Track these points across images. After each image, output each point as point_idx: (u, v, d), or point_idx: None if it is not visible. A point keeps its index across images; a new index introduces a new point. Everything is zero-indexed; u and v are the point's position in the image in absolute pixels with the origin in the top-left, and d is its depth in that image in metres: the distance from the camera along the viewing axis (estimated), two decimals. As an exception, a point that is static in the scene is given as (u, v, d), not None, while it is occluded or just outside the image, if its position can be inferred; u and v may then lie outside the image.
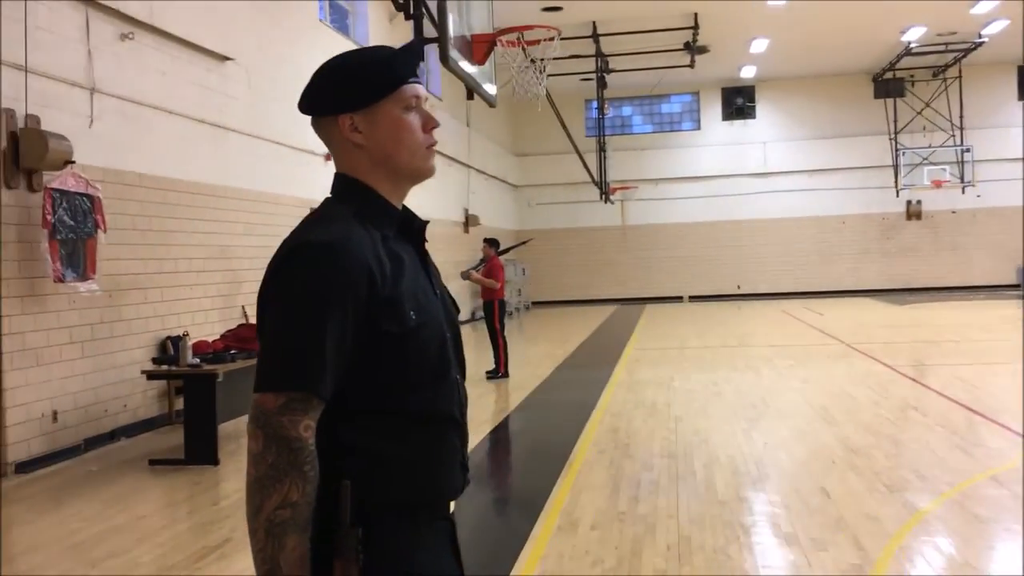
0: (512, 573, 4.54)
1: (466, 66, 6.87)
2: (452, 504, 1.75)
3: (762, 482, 6.12)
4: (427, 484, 1.66)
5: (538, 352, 15.05)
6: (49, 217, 7.13)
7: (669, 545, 4.85)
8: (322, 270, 1.54)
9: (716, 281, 27.43)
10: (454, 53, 6.15)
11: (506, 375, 11.61)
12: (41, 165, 7.09)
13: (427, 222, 1.81)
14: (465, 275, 12.15)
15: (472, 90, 7.14)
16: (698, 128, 28.16)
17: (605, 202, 23.84)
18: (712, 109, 28.01)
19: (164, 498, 6.50)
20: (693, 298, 27.32)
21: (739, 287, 27.30)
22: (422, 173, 1.76)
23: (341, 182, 1.73)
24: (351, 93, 1.67)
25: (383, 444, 1.61)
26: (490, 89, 7.55)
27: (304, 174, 12.17)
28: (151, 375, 7.54)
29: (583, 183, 23.75)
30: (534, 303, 26.66)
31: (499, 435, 8.38)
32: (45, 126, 7.24)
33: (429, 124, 1.75)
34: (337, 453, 1.58)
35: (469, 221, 21.44)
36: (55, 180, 7.22)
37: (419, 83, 1.74)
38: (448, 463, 1.70)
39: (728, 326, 18.93)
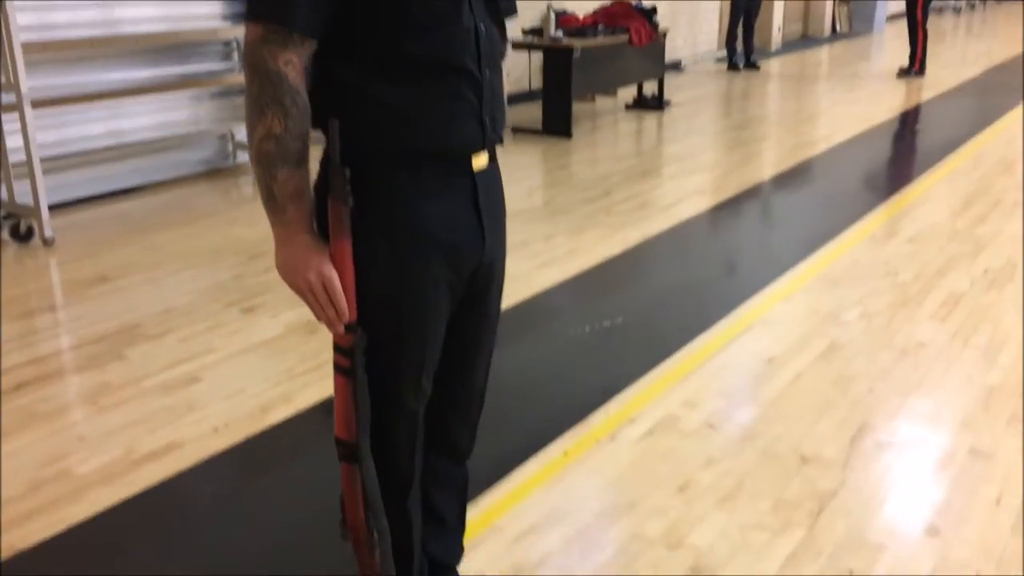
0: (797, 267, 4.33)
1: None
2: (482, 160, 1.70)
3: None
4: (428, 133, 1.61)
5: (978, 51, 13.00)
6: None
7: (987, 270, 4.26)
8: None
9: None
10: None
11: (921, 72, 10.29)
12: None
13: None
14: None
15: None
16: None
17: None
18: None
19: (521, 160, 6.83)
20: None
21: None
22: None
23: None
24: None
25: (380, 88, 1.57)
26: None
27: None
28: (515, 45, 7.83)
29: None
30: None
31: (877, 130, 7.58)
32: None
33: None
34: (333, 95, 1.60)
35: None
36: None
37: None
38: (458, 114, 1.63)
39: None
